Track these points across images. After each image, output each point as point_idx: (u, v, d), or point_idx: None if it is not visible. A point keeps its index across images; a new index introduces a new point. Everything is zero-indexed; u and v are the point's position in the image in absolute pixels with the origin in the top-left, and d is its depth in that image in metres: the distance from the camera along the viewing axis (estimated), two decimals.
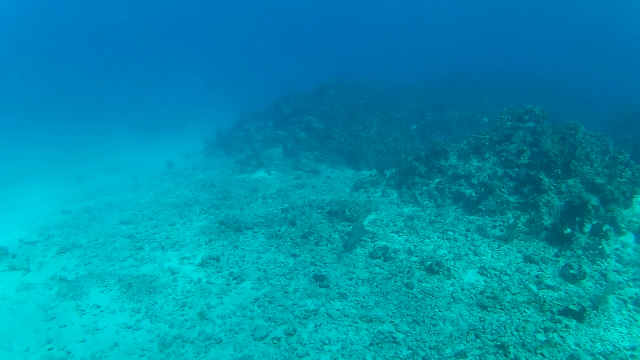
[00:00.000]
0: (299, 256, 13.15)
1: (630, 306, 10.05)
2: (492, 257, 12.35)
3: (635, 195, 14.04)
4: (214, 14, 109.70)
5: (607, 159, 15.50)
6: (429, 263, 11.90)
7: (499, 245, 12.86)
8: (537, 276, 11.23)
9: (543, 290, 10.68)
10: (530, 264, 11.84)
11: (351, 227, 14.61)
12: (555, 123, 17.16)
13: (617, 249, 12.30)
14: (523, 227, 13.47)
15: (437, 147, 17.95)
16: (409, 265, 12.23)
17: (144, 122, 43.61)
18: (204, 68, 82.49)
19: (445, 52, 72.83)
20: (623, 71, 49.73)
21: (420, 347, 8.96)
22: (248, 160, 24.81)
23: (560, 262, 11.73)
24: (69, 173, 26.44)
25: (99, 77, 73.34)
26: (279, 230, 14.99)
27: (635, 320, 9.61)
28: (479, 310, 10.09)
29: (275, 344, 9.33)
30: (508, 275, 11.40)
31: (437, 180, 17.08)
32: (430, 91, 35.79)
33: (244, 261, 13.05)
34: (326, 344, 9.23)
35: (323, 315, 10.22)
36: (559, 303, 10.09)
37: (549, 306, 9.92)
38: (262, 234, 14.96)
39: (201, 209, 17.97)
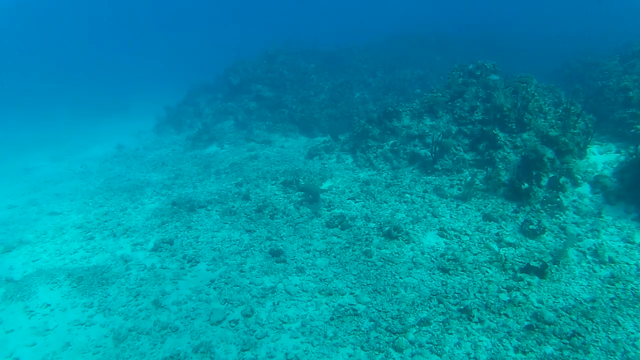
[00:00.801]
0: (254, 231, 12.70)
1: (589, 257, 10.01)
2: (451, 217, 12.13)
3: (588, 146, 13.99)
4: None
5: (560, 111, 15.37)
6: (387, 228, 11.59)
7: (457, 205, 12.65)
8: (497, 234, 11.07)
9: (504, 249, 10.53)
10: (490, 222, 11.67)
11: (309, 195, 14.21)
12: (506, 77, 16.91)
13: (574, 201, 12.25)
14: (481, 184, 13.30)
15: (390, 108, 17.55)
16: (367, 232, 11.91)
17: (89, 105, 41.95)
18: (146, 46, 79.50)
19: (391, 11, 71.96)
20: (568, 22, 50.05)
21: (382, 318, 8.67)
22: (199, 135, 23.99)
23: (520, 218, 11.59)
24: (14, 164, 25.34)
25: (35, 60, 69.73)
26: (233, 206, 14.47)
27: (595, 272, 9.56)
28: (441, 274, 9.87)
29: (233, 327, 8.91)
30: (468, 235, 11.21)
31: (392, 142, 16.73)
32: (380, 52, 35.10)
33: (198, 242, 12.54)
34: (285, 323, 8.86)
35: (281, 293, 9.84)
36: (520, 260, 9.95)
37: (510, 264, 9.77)
38: (216, 211, 14.42)
39: (153, 191, 17.32)
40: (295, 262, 10.90)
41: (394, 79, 28.45)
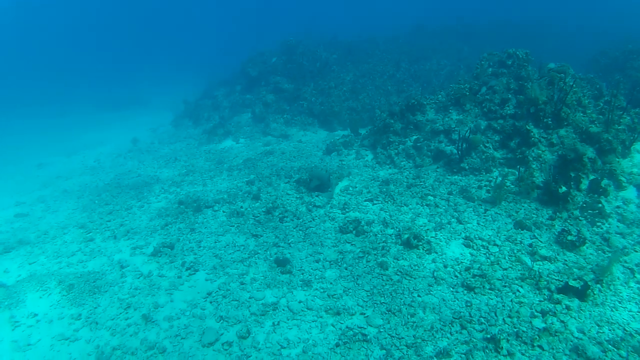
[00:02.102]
0: (261, 236, 11.68)
1: (638, 276, 8.61)
2: (479, 224, 10.83)
3: (634, 144, 12.49)
4: None
5: (602, 104, 13.88)
6: (406, 236, 10.38)
7: (486, 210, 11.33)
8: (530, 245, 9.72)
9: (538, 263, 9.18)
10: (522, 230, 10.31)
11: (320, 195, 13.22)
12: (541, 66, 15.45)
13: (618, 207, 10.82)
14: (512, 186, 11.95)
15: (413, 100, 16.24)
16: (383, 239, 10.73)
17: (110, 99, 41.76)
18: (167, 40, 79.05)
19: (417, 1, 69.63)
20: (600, 8, 47.52)
21: (396, 346, 7.50)
22: (215, 129, 23.04)
23: (556, 227, 10.22)
24: (30, 160, 25.14)
25: (60, 56, 69.86)
26: (242, 207, 13.53)
27: None
28: (465, 292, 8.61)
29: (225, 350, 7.91)
30: (497, 246, 9.88)
31: (415, 137, 15.45)
32: (404, 42, 33.57)
33: (200, 247, 11.65)
34: (284, 348, 7.79)
35: (283, 310, 8.76)
36: (557, 278, 8.61)
37: (545, 282, 8.46)
38: (223, 212, 13.51)
39: (161, 188, 16.55)
40: (302, 274, 9.81)
41: (419, 69, 27.03)
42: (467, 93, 15.34)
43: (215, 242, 11.74)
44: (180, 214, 13.67)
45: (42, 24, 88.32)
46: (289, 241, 11.20)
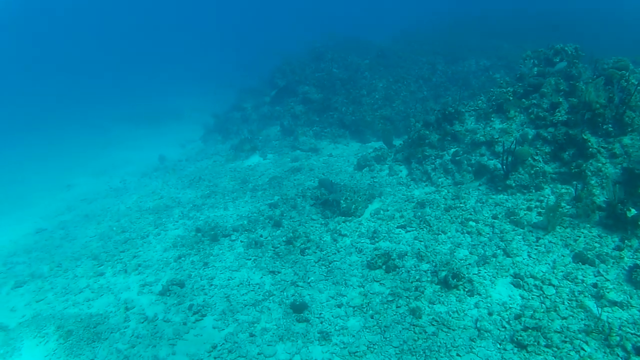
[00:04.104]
0: (279, 273, 10.41)
1: None
2: (530, 256, 9.15)
3: None
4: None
5: None
6: (444, 273, 8.85)
7: (538, 238, 9.61)
8: (595, 285, 7.96)
9: (606, 310, 7.40)
10: (584, 264, 8.55)
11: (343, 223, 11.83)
12: (596, 63, 13.55)
13: None
14: (568, 207, 10.20)
15: (450, 108, 14.60)
16: (417, 277, 9.22)
17: (144, 114, 41.45)
18: (197, 53, 78.85)
19: None
20: None
21: None
22: (242, 144, 21.90)
23: (625, 260, 8.42)
24: (61, 180, 24.89)
25: (92, 71, 70.70)
26: (261, 236, 12.40)
27: None
28: (515, 350, 6.99)
29: None
30: (553, 286, 8.17)
31: (453, 150, 13.82)
32: (440, 41, 31.57)
33: (211, 285, 10.60)
34: None
35: None
36: (633, 331, 6.85)
37: (617, 338, 6.72)
38: (241, 242, 12.43)
39: (181, 213, 15.65)
40: (321, 322, 8.43)
41: (457, 71, 25.08)
42: (511, 97, 13.62)
43: (229, 279, 10.59)
44: (196, 244, 12.73)
45: (72, 45, 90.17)
46: (309, 279, 9.84)
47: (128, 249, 13.37)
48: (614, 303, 7.49)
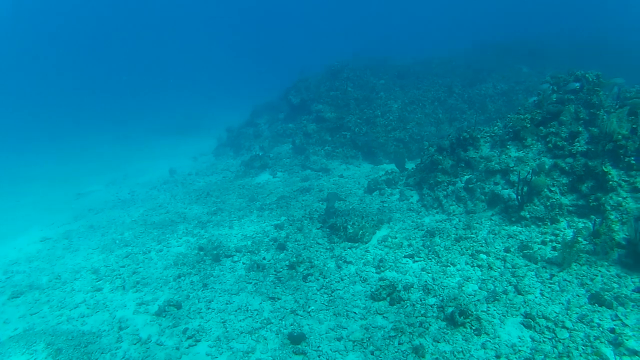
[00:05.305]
0: (279, 300, 9.95)
1: None
2: (543, 295, 8.63)
3: None
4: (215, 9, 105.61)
5: None
6: (450, 309, 8.37)
7: (552, 275, 9.10)
8: (612, 331, 7.40)
9: (625, 359, 6.93)
10: (601, 306, 8.00)
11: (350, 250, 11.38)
12: (620, 91, 13.07)
13: None
14: (585, 242, 9.68)
15: (464, 133, 14.19)
16: (423, 311, 8.74)
17: (168, 124, 41.75)
18: (217, 65, 79.71)
19: (473, 19, 66.67)
20: None
21: None
22: (252, 161, 21.66)
23: None
24: (73, 188, 25.00)
25: (113, 82, 71.79)
26: (264, 259, 11.97)
27: None
28: None
29: None
30: (567, 329, 7.62)
31: (466, 177, 13.39)
32: (459, 64, 31.16)
33: (209, 308, 10.15)
34: None
35: None
36: None
37: None
38: (243, 263, 11.98)
39: (185, 229, 15.36)
40: (319, 356, 7.96)
41: (473, 94, 24.63)
42: (528, 125, 13.17)
43: (227, 303, 10.17)
44: (197, 263, 12.39)
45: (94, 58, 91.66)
46: (310, 309, 9.39)
47: (129, 264, 13.04)
48: (634, 352, 6.90)
